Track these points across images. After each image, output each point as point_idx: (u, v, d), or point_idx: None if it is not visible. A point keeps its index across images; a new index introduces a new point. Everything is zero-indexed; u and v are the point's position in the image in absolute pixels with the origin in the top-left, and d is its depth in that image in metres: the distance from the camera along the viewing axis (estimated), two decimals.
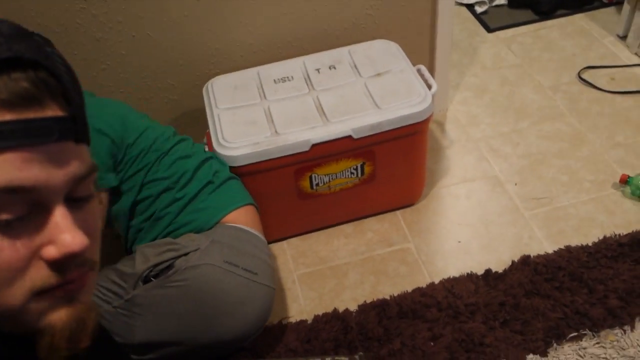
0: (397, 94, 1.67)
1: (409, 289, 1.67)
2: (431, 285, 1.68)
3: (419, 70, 1.77)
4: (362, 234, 1.86)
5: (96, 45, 1.74)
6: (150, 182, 1.41)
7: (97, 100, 1.43)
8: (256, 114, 1.65)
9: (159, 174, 1.41)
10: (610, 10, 2.71)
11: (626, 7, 2.46)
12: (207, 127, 1.69)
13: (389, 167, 1.76)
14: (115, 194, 1.37)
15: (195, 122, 1.93)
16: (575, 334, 1.52)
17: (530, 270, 1.67)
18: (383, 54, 1.82)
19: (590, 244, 1.74)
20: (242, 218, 1.49)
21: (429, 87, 1.70)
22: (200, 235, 1.39)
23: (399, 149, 1.72)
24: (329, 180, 1.71)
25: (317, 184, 1.70)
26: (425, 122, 1.68)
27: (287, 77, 1.77)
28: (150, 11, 1.71)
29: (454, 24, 2.01)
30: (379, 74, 1.75)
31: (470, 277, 1.68)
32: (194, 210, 1.45)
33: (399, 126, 1.63)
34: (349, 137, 1.61)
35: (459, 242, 1.81)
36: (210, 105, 1.71)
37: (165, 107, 1.93)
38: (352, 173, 1.72)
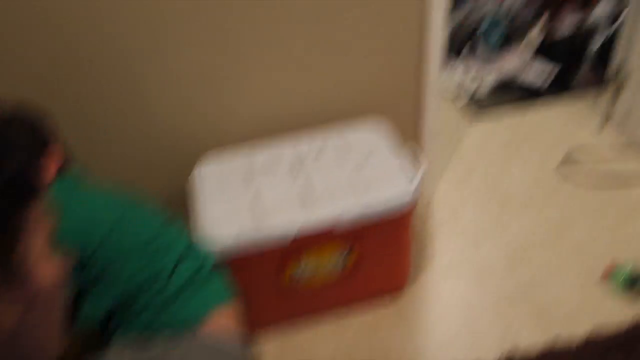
0: (384, 179, 1.69)
1: None
2: None
3: (406, 153, 1.80)
4: (346, 327, 1.83)
5: (82, 117, 1.75)
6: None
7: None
8: (241, 202, 1.67)
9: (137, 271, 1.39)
10: (590, 98, 2.78)
11: (606, 98, 2.52)
12: (191, 212, 1.69)
13: (373, 256, 1.75)
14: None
15: (179, 206, 1.93)
16: None
17: None
18: (371, 138, 1.85)
19: (577, 339, 1.70)
20: (224, 320, 1.46)
21: (416, 171, 1.72)
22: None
23: (384, 237, 1.72)
24: (313, 271, 1.70)
25: (301, 275, 1.69)
26: (411, 208, 1.69)
27: (274, 164, 1.79)
28: (135, 107, 1.75)
29: (439, 110, 2.04)
30: (365, 159, 1.77)
31: None
32: (174, 311, 1.42)
33: (384, 213, 1.65)
34: (335, 225, 1.62)
35: (446, 333, 1.78)
36: (197, 191, 1.73)
37: (150, 184, 1.92)
38: (336, 263, 1.71)
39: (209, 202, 1.67)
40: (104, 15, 1.57)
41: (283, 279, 1.69)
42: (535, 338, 1.73)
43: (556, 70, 2.88)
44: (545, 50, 2.93)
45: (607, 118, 2.54)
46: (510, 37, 2.94)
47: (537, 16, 2.97)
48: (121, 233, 1.37)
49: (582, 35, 2.84)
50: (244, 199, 1.68)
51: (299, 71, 1.84)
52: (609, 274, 1.86)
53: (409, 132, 2.07)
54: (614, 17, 2.80)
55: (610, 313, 1.78)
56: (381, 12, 1.77)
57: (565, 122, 2.65)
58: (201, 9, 1.64)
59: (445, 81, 2.96)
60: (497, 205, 2.23)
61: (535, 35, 2.95)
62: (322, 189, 1.68)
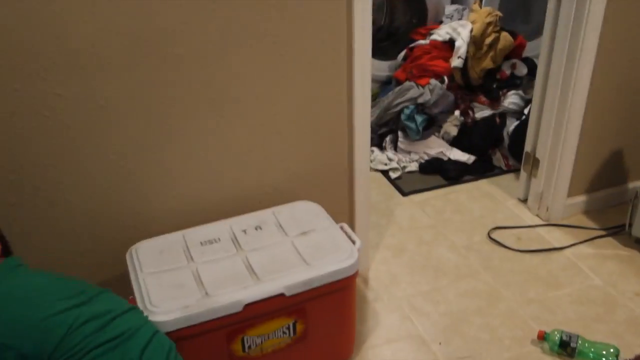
0: (325, 250, 1.71)
1: None
2: None
3: (341, 228, 1.83)
4: None
5: (9, 210, 1.69)
6: None
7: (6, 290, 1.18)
8: (184, 277, 1.61)
9: None
10: (510, 176, 2.98)
11: (523, 174, 2.71)
12: (131, 292, 1.62)
13: (320, 324, 1.73)
14: None
15: (117, 289, 1.85)
16: None
17: None
18: (306, 214, 1.88)
19: None
20: None
21: (353, 244, 1.75)
22: None
23: (329, 305, 1.72)
24: (262, 342, 1.64)
25: (250, 347, 1.63)
26: (353, 276, 1.71)
27: (214, 239, 1.76)
28: (70, 177, 1.71)
29: (370, 189, 2.14)
30: (304, 233, 1.79)
31: None
32: None
33: (329, 281, 1.65)
34: (282, 294, 1.59)
35: None
36: (135, 270, 1.66)
37: (84, 272, 1.85)
38: (284, 332, 1.67)
39: (149, 280, 1.62)
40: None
41: (232, 351, 1.63)
42: None
43: (476, 153, 3.07)
44: (464, 135, 3.13)
45: (524, 197, 2.72)
46: (431, 122, 3.13)
47: (455, 105, 3.20)
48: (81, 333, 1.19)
49: (496, 123, 3.08)
50: (187, 274, 1.63)
51: (232, 158, 1.89)
52: (543, 337, 1.92)
53: (342, 211, 2.13)
54: (522, 109, 3.07)
55: None
56: (310, 100, 1.89)
57: (489, 197, 2.81)
58: (129, 96, 1.67)
59: (375, 161, 3.08)
60: (432, 276, 2.29)
61: (453, 121, 3.17)
62: (263, 263, 1.67)
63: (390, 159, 3.08)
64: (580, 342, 1.86)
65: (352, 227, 2.17)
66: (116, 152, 1.73)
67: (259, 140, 1.88)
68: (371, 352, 1.95)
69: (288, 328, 1.68)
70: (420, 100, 3.04)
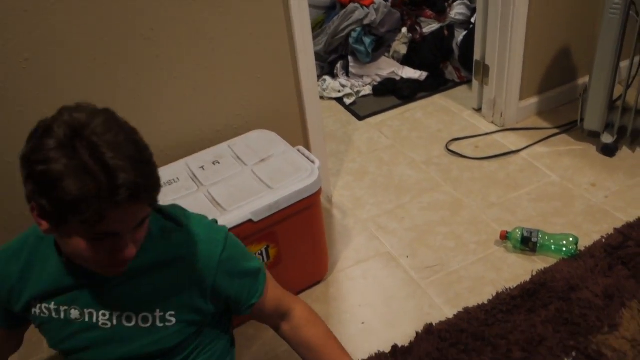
0: (285, 173, 1.71)
1: None
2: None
3: (299, 151, 1.82)
4: (265, 329, 1.79)
5: None
6: None
7: None
8: None
9: None
10: (463, 88, 2.98)
11: (475, 83, 2.71)
12: None
13: (292, 246, 1.76)
14: None
15: None
16: None
17: (435, 339, 1.67)
18: (262, 142, 1.87)
19: (486, 302, 1.78)
20: None
21: (312, 162, 1.75)
22: None
23: (298, 226, 1.73)
24: None
25: None
26: (317, 194, 1.72)
27: (173, 180, 1.74)
28: (7, 137, 1.64)
29: (321, 111, 2.11)
30: (263, 160, 1.78)
31: (379, 356, 1.65)
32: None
33: (294, 202, 1.66)
34: (250, 221, 1.60)
35: (363, 323, 1.79)
36: None
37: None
38: (259, 257, 1.69)
39: None
40: None
41: None
42: (448, 310, 1.79)
43: (427, 68, 3.05)
44: (414, 51, 3.10)
45: (479, 106, 2.73)
46: (380, 43, 3.09)
47: (401, 23, 3.14)
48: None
49: (444, 36, 3.04)
50: None
51: (180, 99, 1.84)
52: (505, 237, 1.97)
53: (297, 138, 2.11)
54: (469, 19, 3.04)
55: (512, 274, 1.89)
56: (249, 30, 1.83)
57: (445, 111, 2.81)
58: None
59: (328, 89, 3.04)
60: (395, 194, 2.31)
61: (402, 39, 3.13)
62: (226, 195, 1.66)
63: (343, 86, 3.04)
64: (540, 236, 1.92)
65: (310, 151, 2.16)
66: (51, 107, 1.66)
67: (204, 77, 1.82)
68: (343, 274, 1.98)
69: (261, 254, 1.69)
70: (366, 22, 2.98)
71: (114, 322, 1.08)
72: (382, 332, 1.75)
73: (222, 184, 1.71)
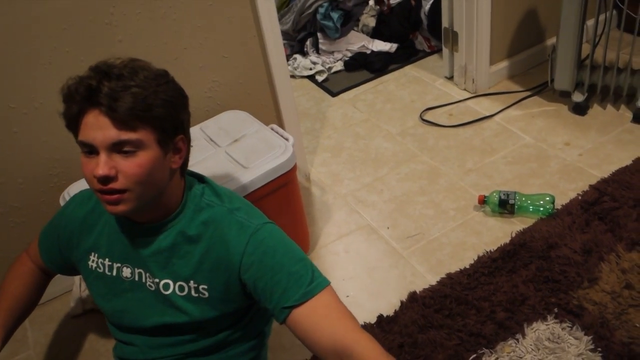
0: (259, 151, 1.70)
1: (308, 357, 1.61)
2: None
3: (272, 129, 1.81)
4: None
5: None
6: None
7: None
8: None
9: None
10: (434, 57, 2.98)
11: (445, 51, 2.71)
12: None
13: None
14: None
15: None
16: (475, 355, 1.53)
17: (419, 306, 1.69)
18: (234, 122, 1.85)
19: (467, 267, 1.80)
20: None
21: (286, 140, 1.74)
22: None
23: (276, 204, 1.72)
24: None
25: None
26: (293, 170, 1.71)
27: None
28: None
29: (293, 94, 2.09)
30: (236, 140, 1.77)
31: (365, 328, 1.66)
32: None
33: (270, 180, 1.65)
34: None
35: (348, 296, 1.79)
36: None
37: (12, 232, 1.78)
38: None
39: None
40: None
41: None
42: (431, 277, 1.80)
43: (397, 40, 3.04)
44: (382, 24, 3.08)
45: (450, 74, 2.73)
46: (349, 17, 3.06)
47: None
48: None
49: (412, 6, 3.03)
50: None
51: None
52: (483, 201, 1.98)
53: (270, 117, 2.09)
54: None
55: (492, 237, 1.91)
56: (218, 18, 1.81)
57: (417, 81, 2.81)
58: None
59: (300, 67, 3.01)
60: (372, 167, 2.31)
61: (370, 12, 3.10)
62: (202, 173, 1.63)
63: (314, 63, 3.02)
64: (517, 197, 1.94)
65: (283, 129, 2.14)
66: (16, 100, 1.62)
67: (169, 60, 1.79)
68: (324, 249, 1.98)
69: None
70: None
71: (155, 286, 1.11)
72: (367, 303, 1.76)
73: (195, 167, 1.67)
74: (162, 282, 1.11)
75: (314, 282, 1.05)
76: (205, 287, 1.09)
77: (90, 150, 0.97)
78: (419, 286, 1.77)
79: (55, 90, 1.63)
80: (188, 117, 1.08)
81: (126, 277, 1.13)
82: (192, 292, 1.10)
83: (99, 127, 0.94)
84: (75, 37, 1.61)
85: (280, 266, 1.05)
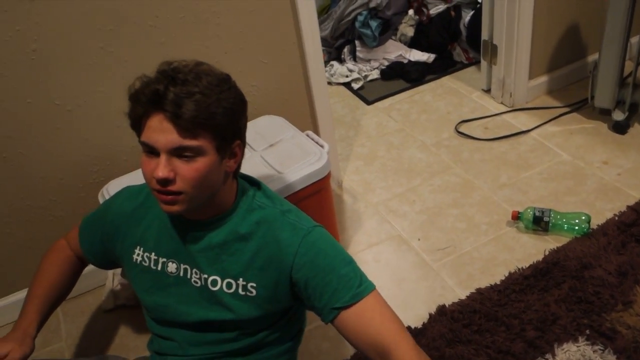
0: (294, 157, 1.71)
1: None
2: (355, 355, 1.63)
3: (307, 135, 1.82)
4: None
5: None
6: None
7: None
8: None
9: None
10: (471, 69, 2.96)
11: (483, 64, 2.69)
12: None
13: None
14: None
15: None
16: None
17: (447, 320, 1.67)
18: (271, 127, 1.87)
19: (498, 283, 1.78)
20: None
21: (321, 147, 1.76)
22: None
23: (308, 210, 1.68)
24: None
25: None
26: (327, 178, 1.72)
27: None
28: (19, 129, 1.65)
29: (328, 96, 2.10)
30: (272, 145, 1.79)
31: None
32: None
33: (304, 186, 1.66)
34: None
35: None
36: None
37: (50, 226, 1.83)
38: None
39: None
40: None
41: None
42: (461, 291, 1.79)
43: (435, 50, 3.03)
44: (421, 34, 3.08)
45: (488, 86, 2.71)
46: (387, 26, 3.06)
47: (408, 5, 3.12)
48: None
49: (451, 17, 3.01)
50: None
51: None
52: (517, 217, 1.96)
53: (306, 124, 2.11)
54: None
55: (524, 254, 1.88)
56: (254, 15, 1.82)
57: (454, 93, 2.79)
58: (62, 34, 1.59)
59: (336, 74, 3.03)
60: (405, 177, 2.30)
61: (409, 22, 3.10)
62: None
63: (351, 70, 3.03)
64: (552, 215, 1.91)
65: (319, 136, 2.15)
66: (60, 98, 1.67)
67: (211, 61, 1.81)
68: (354, 258, 1.97)
69: None
70: (372, 4, 2.95)
71: (202, 282, 1.13)
72: (397, 308, 1.75)
73: None
74: (211, 278, 1.13)
75: (362, 285, 1.09)
76: (254, 285, 1.11)
77: (151, 151, 1.01)
78: (448, 300, 1.75)
79: (98, 89, 1.70)
80: (246, 122, 1.11)
81: (171, 272, 1.16)
82: (240, 290, 1.11)
83: (162, 131, 0.98)
84: (121, 38, 1.65)
85: (331, 268, 1.08)
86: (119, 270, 1.91)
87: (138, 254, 1.19)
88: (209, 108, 0.98)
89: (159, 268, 1.17)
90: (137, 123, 1.03)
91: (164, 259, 1.17)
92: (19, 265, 1.85)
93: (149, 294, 1.19)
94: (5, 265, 1.84)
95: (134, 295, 1.89)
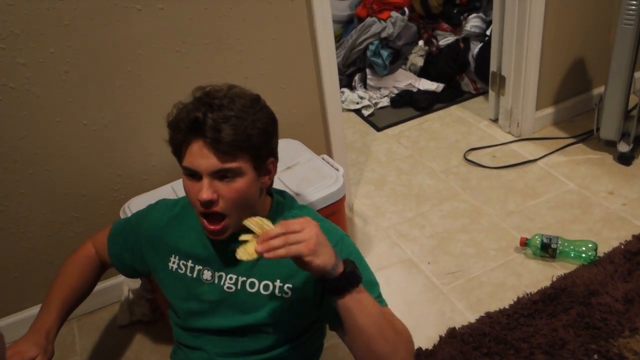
0: (311, 180, 1.76)
1: None
2: None
3: (323, 159, 1.88)
4: None
5: None
6: None
7: None
8: None
9: None
10: (479, 99, 3.03)
11: (491, 94, 2.76)
12: None
13: None
14: None
15: None
16: None
17: (458, 342, 1.71)
18: (288, 150, 1.93)
19: (507, 307, 1.81)
20: None
21: (337, 173, 1.80)
22: None
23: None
24: None
25: None
26: (342, 200, 1.77)
27: None
28: (46, 147, 1.71)
29: (343, 124, 2.17)
30: (289, 167, 1.84)
31: None
32: None
33: (319, 208, 1.70)
34: None
35: None
36: None
37: (70, 242, 1.87)
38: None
39: None
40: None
41: None
42: (470, 314, 1.82)
43: (444, 80, 3.11)
44: (430, 64, 3.16)
45: (495, 116, 2.78)
46: (397, 55, 3.15)
47: (418, 36, 3.21)
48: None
49: (460, 48, 3.10)
50: None
51: None
52: (525, 243, 2.01)
53: (320, 148, 2.17)
54: (484, 31, 3.09)
55: (532, 280, 1.92)
56: (275, 44, 1.91)
57: (462, 122, 2.86)
58: (93, 56, 1.66)
59: (347, 101, 3.10)
60: (415, 202, 2.35)
61: (418, 52, 3.19)
62: None
63: (361, 97, 3.10)
64: (560, 242, 1.95)
65: (333, 160, 2.21)
66: (88, 118, 1.73)
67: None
68: None
69: None
70: (383, 35, 3.04)
71: (239, 286, 1.18)
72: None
73: None
74: (249, 280, 1.17)
75: (382, 296, 1.17)
76: (290, 286, 1.15)
77: (193, 174, 1.07)
78: (458, 323, 1.79)
79: (124, 110, 1.76)
80: (277, 139, 1.17)
81: (206, 280, 1.20)
82: (276, 291, 1.16)
83: (202, 156, 1.04)
84: (148, 62, 1.72)
85: (360, 269, 1.10)
86: (134, 286, 1.95)
87: (174, 262, 1.24)
88: (246, 130, 1.04)
89: (195, 275, 1.21)
90: (178, 149, 1.09)
91: (200, 267, 1.21)
92: (36, 279, 1.90)
93: (184, 301, 1.23)
94: (23, 278, 1.89)
95: (149, 312, 1.93)
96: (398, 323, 1.11)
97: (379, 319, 1.05)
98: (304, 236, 0.96)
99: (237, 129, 1.03)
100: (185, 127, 1.05)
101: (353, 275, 1.02)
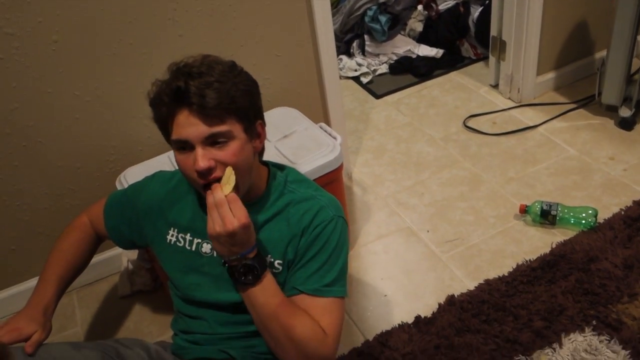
0: (308, 148, 1.75)
1: (346, 352, 1.65)
2: (366, 343, 1.67)
3: (320, 127, 1.86)
4: None
5: None
6: None
7: None
8: None
9: None
10: (480, 64, 2.99)
11: (492, 59, 2.72)
12: None
13: None
14: None
15: None
16: None
17: (457, 309, 1.71)
18: (285, 118, 1.91)
19: (506, 274, 1.81)
20: None
21: (334, 138, 1.79)
22: None
23: None
24: None
25: None
26: (339, 169, 1.76)
27: None
28: (39, 119, 1.69)
29: (341, 94, 2.14)
30: (286, 136, 1.82)
31: (402, 327, 1.69)
32: None
33: (316, 177, 1.69)
34: None
35: (385, 295, 1.83)
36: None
37: (65, 214, 1.86)
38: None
39: None
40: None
41: None
42: (469, 282, 1.82)
43: (444, 46, 3.06)
44: (430, 29, 3.10)
45: (496, 82, 2.73)
46: (396, 21, 3.09)
47: (417, 0, 3.14)
48: None
49: (460, 12, 3.04)
50: None
51: None
52: (524, 210, 2.00)
53: (318, 116, 2.14)
54: None
55: (531, 247, 1.92)
56: (270, 11, 1.85)
57: (461, 88, 2.82)
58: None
59: (345, 68, 3.06)
60: (414, 170, 2.33)
61: (418, 17, 3.13)
62: None
63: (359, 64, 3.06)
64: (560, 209, 1.94)
65: (331, 128, 2.19)
66: (80, 88, 1.70)
67: (224, 55, 1.83)
68: (364, 249, 2.02)
69: None
70: (381, 0, 2.98)
71: None
72: (404, 304, 1.79)
73: None
74: None
75: (331, 287, 1.15)
76: (280, 262, 1.16)
77: (185, 146, 1.05)
78: (457, 290, 1.79)
79: (117, 80, 1.73)
80: (261, 102, 1.16)
81: (205, 253, 1.20)
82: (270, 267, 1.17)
83: (190, 125, 1.03)
84: (139, 30, 1.69)
85: (321, 256, 1.15)
86: (133, 256, 1.94)
87: (172, 235, 1.23)
88: (229, 93, 1.03)
89: (193, 248, 1.21)
90: (164, 125, 1.08)
91: (199, 240, 1.21)
92: (34, 252, 1.89)
93: (183, 274, 1.23)
94: (20, 251, 1.88)
95: (150, 281, 1.93)
96: (301, 325, 1.09)
97: (267, 317, 1.09)
98: (223, 223, 1.02)
99: (220, 92, 1.02)
100: (169, 99, 1.03)
101: (248, 269, 1.07)
